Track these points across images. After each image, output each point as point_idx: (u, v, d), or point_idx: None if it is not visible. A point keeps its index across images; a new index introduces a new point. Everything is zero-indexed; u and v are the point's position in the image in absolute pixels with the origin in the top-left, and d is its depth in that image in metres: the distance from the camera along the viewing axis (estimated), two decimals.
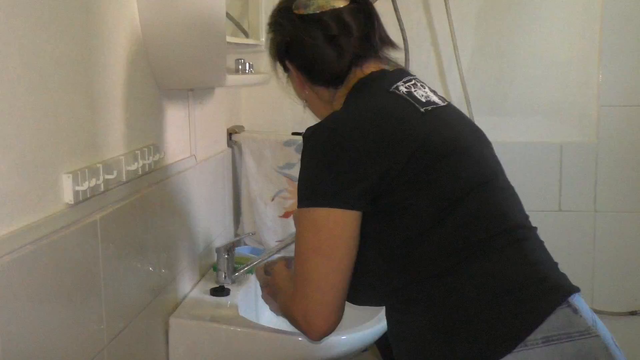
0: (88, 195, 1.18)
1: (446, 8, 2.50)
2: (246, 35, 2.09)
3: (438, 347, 1.10)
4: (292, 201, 2.39)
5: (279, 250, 1.97)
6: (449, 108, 1.27)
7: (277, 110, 2.68)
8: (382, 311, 1.76)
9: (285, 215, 2.40)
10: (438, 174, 1.13)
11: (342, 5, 1.23)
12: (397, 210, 1.12)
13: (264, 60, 2.22)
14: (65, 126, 1.13)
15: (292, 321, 1.19)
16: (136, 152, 1.42)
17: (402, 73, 1.28)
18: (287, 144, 2.36)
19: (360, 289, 1.19)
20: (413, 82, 1.25)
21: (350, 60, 1.25)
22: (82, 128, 1.20)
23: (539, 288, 1.10)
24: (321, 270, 1.12)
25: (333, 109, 1.28)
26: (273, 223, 2.40)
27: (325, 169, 1.12)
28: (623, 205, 2.64)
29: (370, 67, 1.26)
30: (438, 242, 1.12)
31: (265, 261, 1.60)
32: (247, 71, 1.92)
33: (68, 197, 1.13)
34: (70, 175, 1.12)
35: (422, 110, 1.18)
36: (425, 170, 1.12)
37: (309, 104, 1.37)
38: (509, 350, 1.03)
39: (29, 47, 1.01)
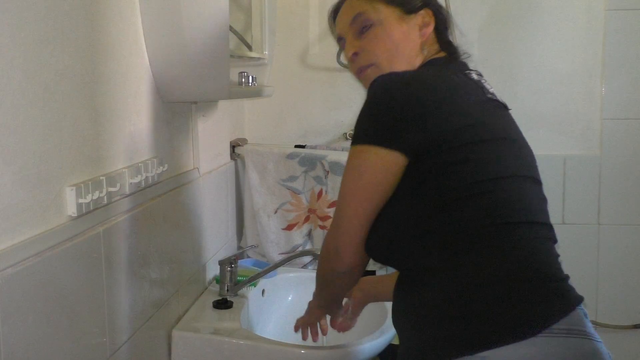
0: (91, 208, 1.19)
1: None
2: (250, 48, 2.10)
3: (456, 323, 1.10)
4: (295, 214, 2.39)
5: (282, 263, 1.97)
6: (507, 108, 1.35)
7: (280, 123, 2.69)
8: (385, 324, 1.76)
9: (288, 227, 2.40)
10: (486, 151, 1.18)
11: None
12: (442, 172, 1.15)
13: (267, 73, 2.24)
14: (68, 139, 1.14)
15: (325, 253, 1.29)
16: (139, 164, 1.42)
17: (468, 67, 1.37)
18: (290, 156, 2.36)
19: (385, 242, 1.21)
20: (482, 77, 1.35)
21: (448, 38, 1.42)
22: (86, 141, 1.21)
23: (564, 284, 1.13)
24: (356, 211, 1.20)
25: (415, 63, 1.35)
26: (276, 236, 2.40)
27: (390, 111, 1.17)
28: (627, 218, 2.64)
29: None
30: (474, 212, 1.13)
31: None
32: (250, 84, 1.93)
33: (71, 209, 1.13)
34: (74, 188, 1.13)
35: (488, 96, 1.27)
36: (477, 144, 1.17)
37: (420, 39, 1.37)
38: (534, 333, 1.04)
39: (33, 61, 1.02)
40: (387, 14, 1.34)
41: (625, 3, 2.55)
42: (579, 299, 1.12)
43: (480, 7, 2.60)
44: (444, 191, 1.14)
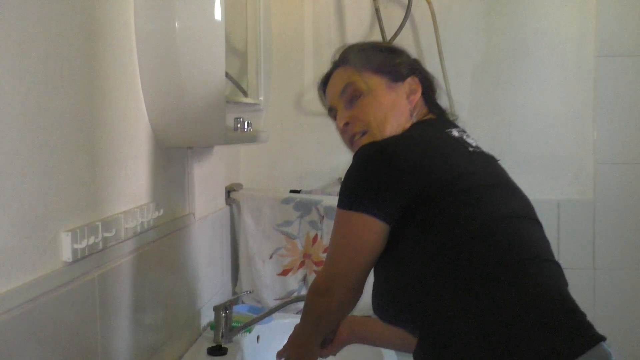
0: (86, 253, 1.18)
1: (441, 64, 2.54)
2: (245, 94, 2.12)
3: None
4: (290, 259, 2.38)
5: (277, 309, 1.95)
6: (495, 159, 1.37)
7: (275, 168, 2.70)
8: None
9: (284, 273, 2.39)
10: (484, 196, 1.21)
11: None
12: (442, 220, 1.18)
13: (263, 118, 2.26)
14: (65, 183, 1.14)
15: (315, 293, 1.34)
16: (135, 210, 1.42)
17: (455, 124, 1.42)
18: (286, 201, 2.36)
19: (402, 308, 1.23)
20: (465, 133, 1.39)
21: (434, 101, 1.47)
22: (82, 186, 1.21)
23: (584, 319, 1.14)
24: (346, 261, 1.28)
25: (405, 127, 1.39)
26: (271, 281, 2.39)
27: (368, 180, 1.23)
28: (622, 262, 2.64)
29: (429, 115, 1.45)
30: (488, 251, 1.15)
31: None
32: (245, 129, 1.94)
33: (66, 255, 1.13)
34: (69, 233, 1.13)
35: (470, 149, 1.30)
36: (473, 189, 1.21)
37: (408, 105, 1.42)
38: None
39: (32, 105, 1.03)
40: (376, 83, 1.39)
41: (614, 50, 2.59)
42: (602, 337, 1.12)
43: (473, 52, 2.63)
44: (453, 234, 1.16)
